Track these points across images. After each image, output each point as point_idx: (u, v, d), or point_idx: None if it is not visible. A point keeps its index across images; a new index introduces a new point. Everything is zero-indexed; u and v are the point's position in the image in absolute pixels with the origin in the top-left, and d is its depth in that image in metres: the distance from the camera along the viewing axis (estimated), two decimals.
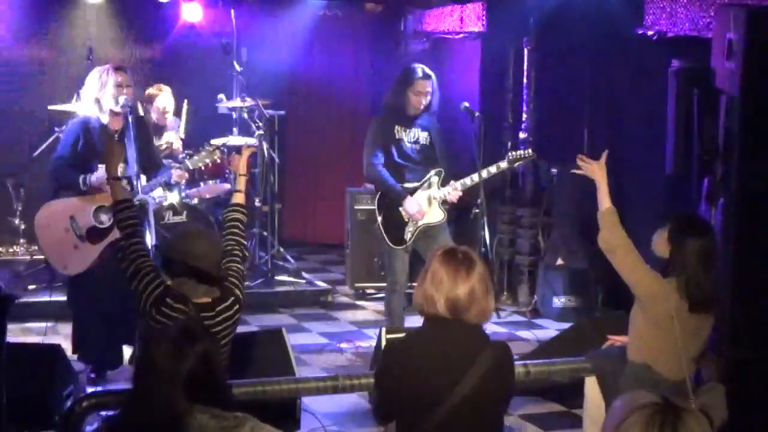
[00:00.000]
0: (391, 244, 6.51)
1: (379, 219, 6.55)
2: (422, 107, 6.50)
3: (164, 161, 6.73)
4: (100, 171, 5.76)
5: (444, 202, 6.57)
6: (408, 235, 6.51)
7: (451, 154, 6.94)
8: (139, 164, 5.78)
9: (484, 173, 6.52)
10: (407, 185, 6.54)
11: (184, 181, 6.85)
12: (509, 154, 6.60)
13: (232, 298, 4.15)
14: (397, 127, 6.52)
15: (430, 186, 6.57)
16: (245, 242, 4.67)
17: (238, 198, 4.93)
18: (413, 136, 6.57)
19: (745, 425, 4.65)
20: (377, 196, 6.62)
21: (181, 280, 4.07)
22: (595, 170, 4.61)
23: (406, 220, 6.50)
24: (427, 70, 6.50)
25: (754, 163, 5.28)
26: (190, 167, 6.19)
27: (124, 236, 4.29)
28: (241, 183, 5.06)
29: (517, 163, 6.64)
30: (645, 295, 4.37)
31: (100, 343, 5.94)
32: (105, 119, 5.96)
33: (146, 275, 4.09)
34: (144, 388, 2.73)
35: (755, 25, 5.16)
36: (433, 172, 6.58)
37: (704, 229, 4.45)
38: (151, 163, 6.17)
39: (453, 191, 6.51)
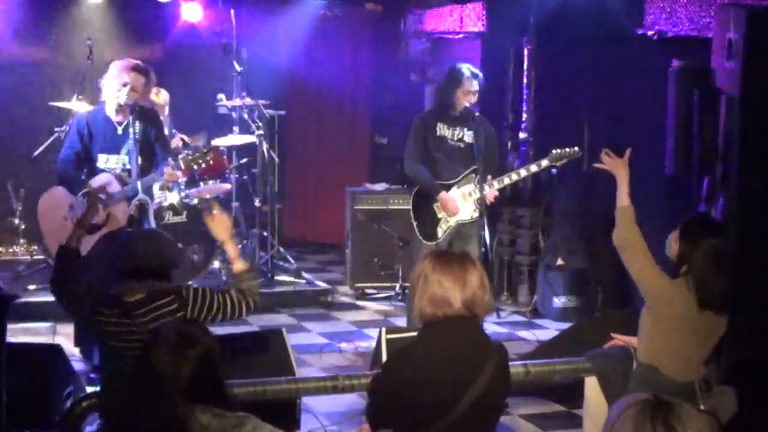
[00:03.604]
0: (422, 239, 6.51)
1: (415, 215, 6.56)
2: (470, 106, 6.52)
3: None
4: (101, 178, 5.83)
5: (480, 200, 6.55)
6: (440, 232, 6.52)
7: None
8: (137, 161, 5.84)
9: (523, 171, 6.52)
10: (443, 182, 6.55)
11: (179, 179, 6.82)
12: (553, 151, 6.51)
13: (172, 296, 3.96)
14: (440, 124, 6.55)
15: (466, 183, 6.56)
16: (237, 304, 4.09)
17: (239, 266, 4.21)
18: (458, 135, 6.58)
19: (746, 425, 4.65)
20: (413, 192, 6.65)
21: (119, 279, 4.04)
22: (619, 167, 4.62)
23: (440, 216, 6.52)
24: (475, 70, 6.57)
25: (754, 163, 5.27)
26: (183, 167, 6.20)
27: (60, 279, 4.19)
28: (230, 248, 4.26)
29: (560, 162, 6.51)
30: (651, 296, 4.37)
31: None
32: (110, 111, 6.01)
33: (77, 297, 4.08)
34: (145, 394, 2.71)
35: (755, 25, 5.16)
36: (469, 169, 6.57)
37: (717, 230, 4.44)
38: (152, 158, 6.19)
39: (489, 189, 6.50)
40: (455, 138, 6.58)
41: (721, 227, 4.61)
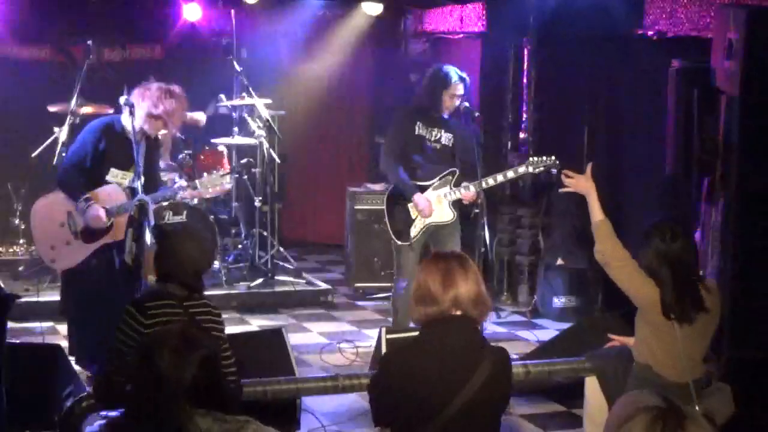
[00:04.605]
0: (395, 238, 6.51)
1: (389, 214, 6.56)
2: (454, 109, 6.52)
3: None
4: (96, 210, 5.77)
5: (456, 203, 6.54)
6: (413, 232, 6.50)
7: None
8: (144, 173, 5.85)
9: (500, 177, 6.50)
10: (419, 182, 6.54)
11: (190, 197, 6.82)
12: (530, 159, 6.50)
13: (219, 313, 4.19)
14: (419, 124, 6.53)
15: (442, 185, 6.55)
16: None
17: None
18: (436, 136, 6.56)
19: (745, 425, 4.65)
20: (388, 191, 6.64)
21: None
22: (582, 184, 4.58)
23: (413, 217, 6.51)
24: (462, 74, 6.52)
25: (754, 163, 5.28)
26: (199, 188, 6.23)
27: None
28: None
29: (537, 169, 6.48)
30: (642, 304, 4.37)
31: (95, 344, 5.93)
32: (130, 127, 5.90)
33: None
34: (146, 397, 2.70)
35: (755, 25, 5.17)
36: (446, 171, 6.56)
37: (672, 235, 4.29)
38: (152, 177, 6.18)
39: (465, 192, 6.48)
40: (432, 139, 6.57)
41: (674, 232, 4.32)
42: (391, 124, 6.65)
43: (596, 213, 4.48)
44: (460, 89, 6.47)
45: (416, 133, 6.53)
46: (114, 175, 5.93)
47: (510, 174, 6.53)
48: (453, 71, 6.48)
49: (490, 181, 6.49)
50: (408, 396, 3.32)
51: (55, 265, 6.13)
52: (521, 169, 6.51)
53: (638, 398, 2.18)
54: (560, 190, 4.80)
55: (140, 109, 5.83)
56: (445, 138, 6.57)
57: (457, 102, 6.49)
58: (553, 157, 6.44)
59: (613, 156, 8.04)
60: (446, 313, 3.33)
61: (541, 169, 6.48)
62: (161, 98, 5.84)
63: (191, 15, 9.27)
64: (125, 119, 5.88)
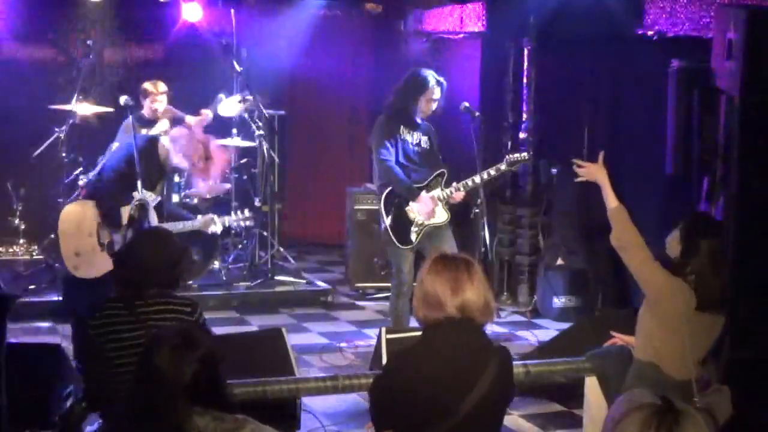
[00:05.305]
0: (398, 244, 6.52)
1: (387, 219, 6.55)
2: (431, 113, 6.57)
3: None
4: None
5: (447, 203, 6.59)
6: (414, 236, 6.52)
7: (450, 154, 6.98)
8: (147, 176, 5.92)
9: (485, 175, 6.53)
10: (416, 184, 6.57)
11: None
12: (507, 156, 6.62)
13: (191, 305, 4.03)
14: (402, 128, 6.57)
15: (434, 187, 6.58)
16: None
17: None
18: (416, 139, 6.62)
19: (745, 425, 4.65)
20: (384, 195, 6.61)
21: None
22: (595, 172, 4.61)
23: (412, 219, 6.52)
24: (439, 78, 6.58)
25: (754, 163, 5.28)
26: (227, 224, 6.37)
27: None
28: None
29: (515, 166, 6.62)
30: (655, 293, 4.37)
31: None
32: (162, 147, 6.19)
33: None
34: (145, 395, 2.71)
35: (755, 25, 5.16)
36: (436, 173, 6.61)
37: (717, 230, 4.46)
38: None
39: (456, 192, 6.54)
40: (414, 142, 6.63)
41: (720, 226, 4.62)
42: (377, 132, 6.65)
43: (611, 200, 4.52)
44: (437, 93, 6.53)
45: (402, 137, 6.57)
46: (140, 193, 6.00)
47: (492, 172, 6.57)
48: (430, 75, 6.54)
49: (477, 180, 6.52)
50: (414, 401, 3.28)
51: (77, 272, 6.14)
52: (503, 167, 6.59)
53: (634, 397, 2.18)
54: (575, 180, 4.81)
55: (176, 156, 6.19)
56: (424, 141, 6.66)
57: (434, 106, 6.55)
58: (525, 154, 6.64)
59: (613, 156, 8.00)
60: (450, 317, 3.32)
61: (519, 165, 6.68)
62: (194, 155, 6.18)
63: (191, 15, 9.27)
64: (161, 139, 6.21)
